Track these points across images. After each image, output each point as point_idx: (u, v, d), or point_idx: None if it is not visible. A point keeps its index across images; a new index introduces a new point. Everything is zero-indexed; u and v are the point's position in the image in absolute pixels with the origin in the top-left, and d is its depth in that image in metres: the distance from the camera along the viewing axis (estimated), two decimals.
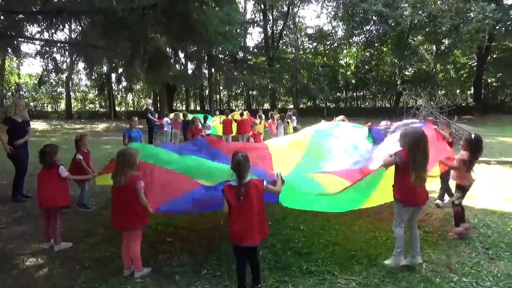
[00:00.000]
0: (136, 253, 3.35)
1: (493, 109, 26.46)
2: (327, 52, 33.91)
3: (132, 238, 3.35)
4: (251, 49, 32.23)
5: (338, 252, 3.76)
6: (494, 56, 27.14)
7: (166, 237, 4.24)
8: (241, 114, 12.41)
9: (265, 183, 3.00)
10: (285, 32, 34.06)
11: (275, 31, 33.65)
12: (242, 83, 28.73)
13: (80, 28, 7.36)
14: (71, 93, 34.88)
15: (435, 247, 3.84)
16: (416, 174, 3.19)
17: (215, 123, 12.76)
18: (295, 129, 13.47)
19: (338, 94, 35.55)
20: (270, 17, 32.74)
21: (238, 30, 25.72)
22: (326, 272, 3.33)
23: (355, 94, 35.96)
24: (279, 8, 32.66)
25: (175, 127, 12.03)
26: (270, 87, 31.35)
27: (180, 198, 3.62)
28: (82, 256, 3.79)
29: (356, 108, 34.14)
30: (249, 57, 31.05)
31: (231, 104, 38.16)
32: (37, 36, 7.83)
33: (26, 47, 27.12)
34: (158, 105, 27.24)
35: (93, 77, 26.67)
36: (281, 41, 33.97)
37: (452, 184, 4.71)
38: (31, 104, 34.20)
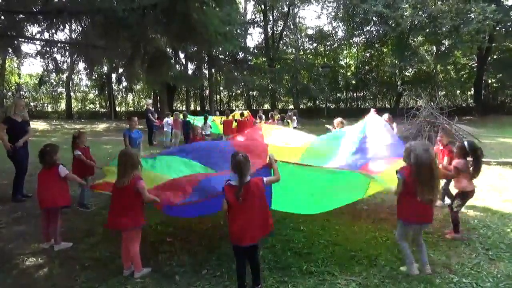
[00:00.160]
0: (136, 253, 3.35)
1: (493, 110, 26.44)
2: (327, 52, 33.88)
3: (131, 237, 3.35)
4: (251, 50, 32.19)
5: (338, 253, 3.76)
6: (495, 57, 27.14)
7: (166, 237, 4.24)
8: (241, 115, 12.41)
9: (265, 179, 3.00)
10: (285, 32, 34.04)
11: (275, 32, 33.64)
12: (243, 84, 28.68)
13: (80, 28, 7.37)
14: (72, 93, 34.81)
15: (435, 248, 3.84)
16: (420, 191, 3.12)
17: (216, 122, 12.78)
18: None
19: (338, 94, 35.49)
20: (271, 17, 32.73)
21: (238, 31, 25.68)
22: (326, 273, 3.33)
23: (355, 94, 35.92)
24: (280, 8, 32.65)
25: (175, 127, 12.04)
26: (270, 87, 31.32)
27: (191, 196, 3.62)
28: (82, 256, 3.79)
29: (357, 108, 34.09)
30: (249, 58, 30.99)
31: (231, 104, 38.13)
32: (38, 36, 7.84)
33: (26, 47, 27.10)
34: (159, 105, 27.22)
35: (94, 77, 26.69)
36: (281, 42, 33.94)
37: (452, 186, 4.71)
38: (32, 104, 34.14)
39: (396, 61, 26.77)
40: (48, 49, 8.15)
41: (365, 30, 29.38)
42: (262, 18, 32.61)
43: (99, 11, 6.15)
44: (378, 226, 4.49)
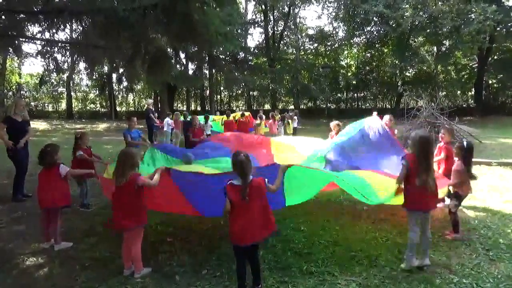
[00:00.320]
0: (136, 253, 3.35)
1: (494, 110, 26.39)
2: (328, 53, 33.88)
3: (133, 237, 3.35)
4: (252, 50, 32.18)
5: (338, 253, 3.76)
6: (495, 57, 27.10)
7: (166, 237, 4.24)
8: (242, 115, 12.43)
9: (266, 180, 3.00)
10: (286, 32, 34.06)
11: (276, 32, 33.65)
12: (243, 84, 28.69)
13: (81, 28, 7.36)
14: (72, 93, 34.87)
15: (436, 248, 3.83)
16: (420, 177, 3.23)
17: (217, 121, 12.78)
18: (295, 130, 13.50)
19: (338, 95, 35.48)
20: (271, 17, 32.73)
21: (239, 31, 25.73)
22: (326, 273, 3.33)
23: (355, 95, 35.89)
24: (280, 8, 32.66)
25: (176, 127, 12.04)
26: (270, 87, 31.33)
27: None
28: (82, 256, 3.79)
29: (357, 109, 34.09)
30: (250, 58, 31.01)
31: (231, 104, 38.15)
32: (38, 36, 7.84)
33: (27, 47, 27.07)
34: (159, 105, 27.25)
35: (94, 77, 26.73)
36: (282, 42, 33.96)
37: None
38: (32, 103, 34.20)
39: (396, 62, 26.74)
40: (48, 48, 8.15)
41: (365, 30, 29.36)
42: (262, 18, 32.61)
43: (99, 11, 6.15)
44: (378, 226, 4.48)
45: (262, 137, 7.13)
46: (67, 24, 7.15)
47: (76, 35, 8.12)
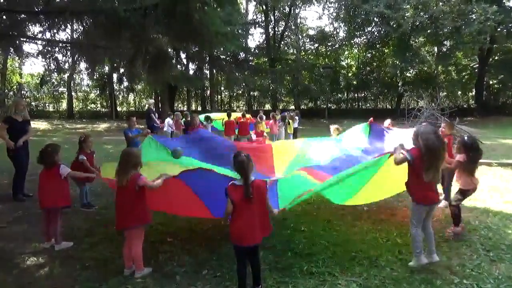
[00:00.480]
0: (138, 253, 3.35)
1: (494, 111, 26.39)
2: (329, 53, 33.89)
3: (134, 237, 3.35)
4: (252, 50, 32.22)
5: (339, 253, 3.75)
6: (496, 58, 27.13)
7: (167, 237, 4.24)
8: (243, 115, 12.43)
9: (267, 181, 3.00)
10: (286, 33, 34.08)
11: (276, 32, 33.67)
12: (244, 84, 28.72)
13: (82, 28, 7.37)
14: (73, 93, 34.93)
15: (436, 249, 3.81)
16: (427, 172, 3.23)
17: (217, 120, 12.79)
18: (296, 130, 13.49)
19: (339, 95, 35.49)
20: (272, 18, 32.74)
21: (239, 31, 25.70)
22: (326, 273, 3.33)
23: (356, 95, 35.86)
24: (281, 9, 32.70)
25: (176, 128, 12.03)
26: (271, 88, 31.32)
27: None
28: (83, 256, 3.79)
29: (358, 109, 34.09)
30: (250, 58, 30.99)
31: (232, 104, 38.15)
32: (39, 36, 7.87)
33: (28, 47, 27.11)
34: (160, 106, 27.28)
35: (95, 77, 26.82)
36: (282, 42, 33.97)
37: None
38: (33, 103, 34.26)
39: (397, 62, 26.72)
40: (49, 49, 8.17)
41: (366, 30, 29.40)
42: (263, 18, 32.63)
43: (100, 11, 6.16)
44: (379, 227, 4.48)
45: (263, 147, 6.57)
46: (68, 24, 7.19)
47: (77, 35, 8.15)
